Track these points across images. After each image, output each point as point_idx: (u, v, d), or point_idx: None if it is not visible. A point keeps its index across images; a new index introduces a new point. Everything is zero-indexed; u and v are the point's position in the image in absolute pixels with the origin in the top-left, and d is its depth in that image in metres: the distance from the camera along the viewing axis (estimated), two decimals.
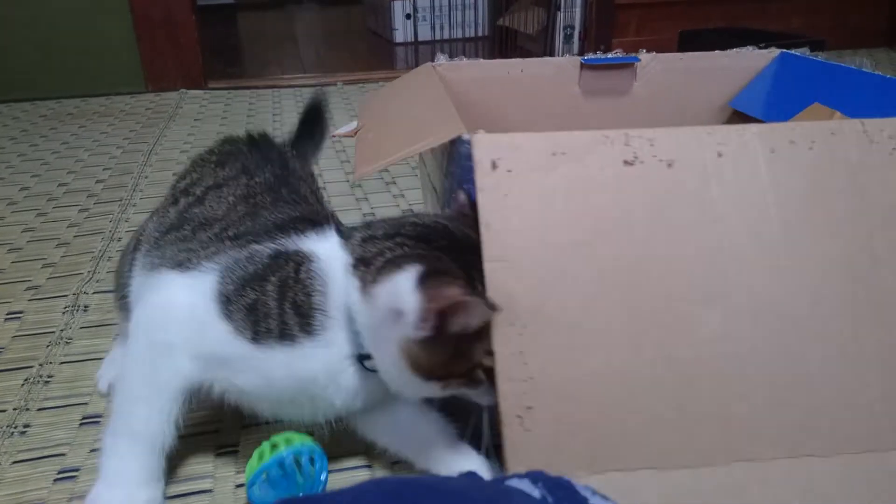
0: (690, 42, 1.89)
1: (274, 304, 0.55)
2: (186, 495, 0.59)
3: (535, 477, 0.38)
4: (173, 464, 0.62)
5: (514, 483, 0.37)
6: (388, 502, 0.27)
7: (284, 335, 0.55)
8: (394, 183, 1.29)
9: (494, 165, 0.53)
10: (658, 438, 0.52)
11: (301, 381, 0.56)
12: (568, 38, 2.29)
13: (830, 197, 0.56)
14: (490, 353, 0.52)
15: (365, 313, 0.53)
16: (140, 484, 0.56)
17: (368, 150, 0.66)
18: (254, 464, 0.55)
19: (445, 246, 0.54)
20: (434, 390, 0.54)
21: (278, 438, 0.56)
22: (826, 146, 0.57)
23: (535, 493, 0.37)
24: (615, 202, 0.54)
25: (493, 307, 0.51)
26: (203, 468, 0.62)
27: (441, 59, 0.91)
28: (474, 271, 0.53)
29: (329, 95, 2.03)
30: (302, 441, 0.56)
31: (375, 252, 0.54)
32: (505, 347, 0.52)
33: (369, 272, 0.53)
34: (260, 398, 0.58)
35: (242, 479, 0.60)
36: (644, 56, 0.96)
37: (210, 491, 0.59)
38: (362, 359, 0.56)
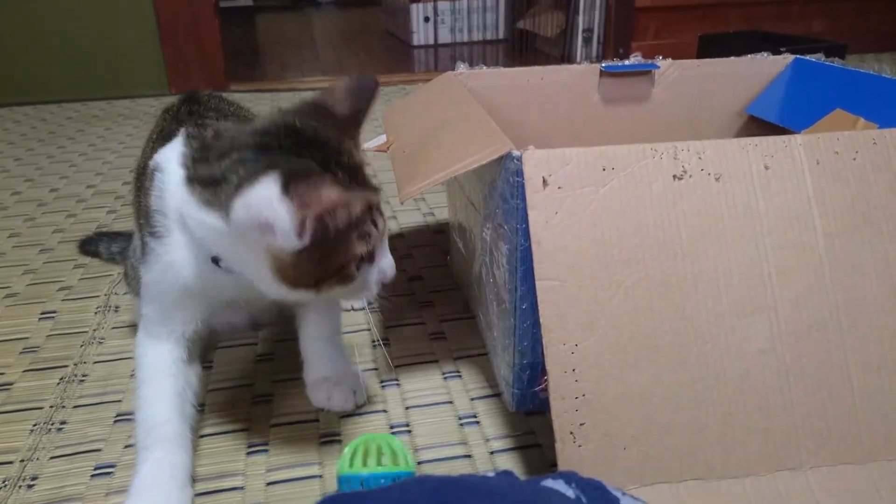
0: (710, 46, 1.89)
1: (139, 218, 0.61)
2: (217, 492, 0.61)
3: (569, 477, 0.40)
4: (204, 462, 0.65)
5: (550, 483, 0.39)
6: (431, 500, 0.29)
7: (145, 245, 0.59)
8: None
9: (545, 182, 0.55)
10: (704, 451, 0.54)
11: (182, 283, 0.58)
12: (587, 42, 2.30)
13: (874, 207, 0.58)
14: (363, 239, 0.53)
15: (212, 228, 0.52)
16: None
17: (408, 167, 0.67)
18: (345, 463, 0.55)
19: (293, 145, 0.52)
20: (307, 296, 0.54)
21: (386, 448, 0.55)
22: (869, 156, 0.59)
23: (570, 493, 0.38)
24: (664, 217, 0.56)
25: (374, 190, 0.51)
26: (234, 466, 0.64)
27: (461, 67, 0.92)
28: (330, 161, 0.52)
29: None
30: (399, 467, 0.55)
31: (218, 172, 0.51)
32: (557, 366, 0.53)
33: (214, 192, 0.51)
34: (180, 308, 0.61)
35: (273, 476, 0.62)
36: (662, 63, 0.97)
37: (241, 488, 0.62)
38: (216, 260, 0.56)
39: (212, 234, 0.53)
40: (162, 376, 0.62)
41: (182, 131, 0.59)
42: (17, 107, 2.06)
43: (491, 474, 0.42)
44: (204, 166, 0.53)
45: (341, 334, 0.74)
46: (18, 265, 1.06)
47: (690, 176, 0.57)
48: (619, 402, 0.53)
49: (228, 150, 0.52)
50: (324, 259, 0.52)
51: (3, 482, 0.63)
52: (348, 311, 0.89)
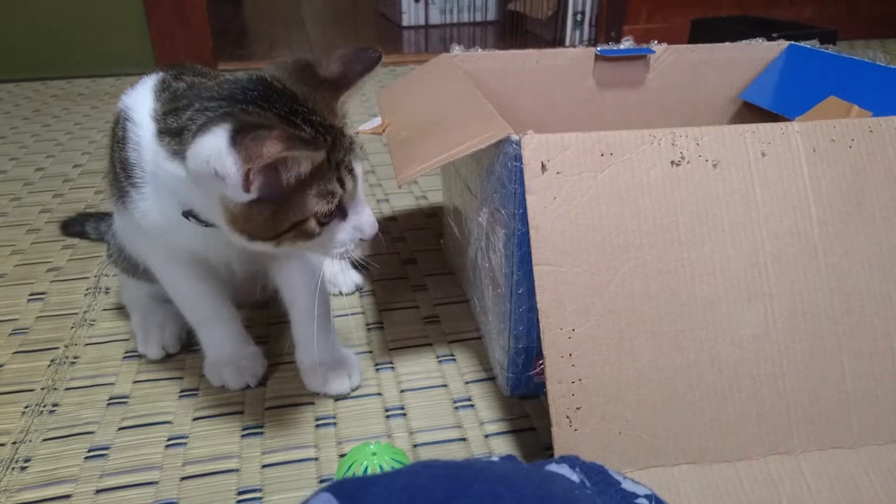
0: (702, 30, 1.89)
1: (113, 164, 0.61)
2: (212, 475, 0.61)
3: (573, 462, 0.41)
4: (199, 444, 0.64)
5: (554, 468, 0.39)
6: (440, 485, 0.29)
7: (122, 191, 0.60)
8: None
9: (544, 167, 0.55)
10: (699, 435, 0.54)
11: (158, 230, 0.60)
12: (578, 24, 2.28)
13: (869, 195, 0.58)
14: (324, 197, 0.52)
15: (180, 179, 0.53)
16: None
17: (405, 151, 0.67)
18: (343, 466, 0.55)
19: (258, 97, 0.52)
20: (267, 248, 0.54)
21: (379, 448, 0.56)
22: (864, 144, 0.59)
23: (574, 477, 0.39)
24: (662, 203, 0.56)
25: (318, 147, 0.50)
26: (229, 448, 0.64)
27: (456, 49, 0.92)
28: (296, 117, 0.51)
29: None
30: (392, 458, 0.55)
31: (182, 121, 0.53)
32: (554, 350, 0.53)
33: (179, 141, 0.52)
34: (164, 260, 0.65)
35: (268, 459, 0.63)
36: (657, 47, 0.96)
37: (237, 470, 0.62)
38: (187, 215, 0.57)
39: (178, 183, 0.54)
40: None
41: (156, 76, 0.59)
42: (0, 84, 2.02)
43: (495, 458, 0.42)
44: (172, 118, 0.53)
45: (332, 317, 0.74)
46: (5, 245, 1.04)
47: (688, 162, 0.57)
48: (615, 386, 0.54)
49: (195, 99, 0.53)
50: (277, 214, 0.51)
51: None
52: (338, 295, 0.89)
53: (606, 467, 0.42)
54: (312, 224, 0.53)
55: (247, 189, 0.49)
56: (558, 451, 0.53)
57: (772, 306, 0.56)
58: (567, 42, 2.30)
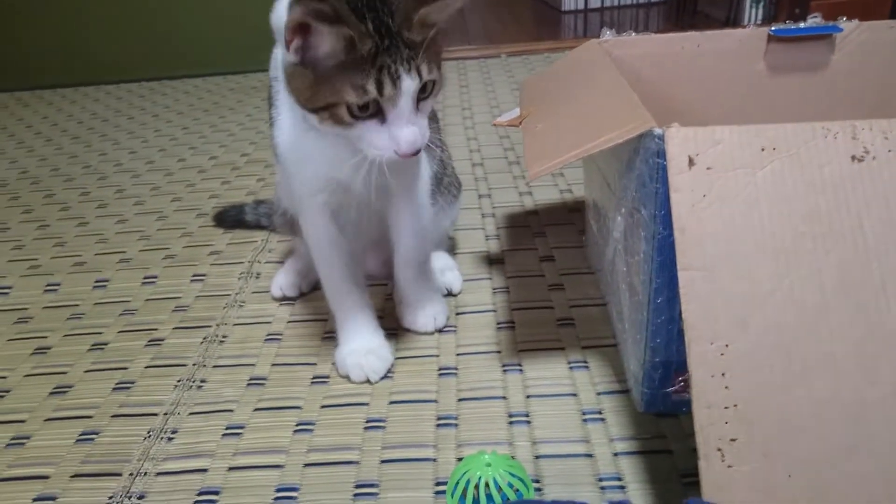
0: None
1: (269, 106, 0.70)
2: (334, 464, 0.62)
3: None
4: (323, 433, 0.66)
5: None
6: None
7: (271, 123, 0.68)
8: None
9: (692, 162, 0.49)
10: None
11: (295, 157, 0.67)
12: (757, 2, 2.08)
13: None
14: (355, 90, 0.55)
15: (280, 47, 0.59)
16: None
17: (539, 144, 0.63)
18: (457, 473, 0.54)
19: None
20: (314, 120, 0.59)
21: (494, 459, 0.54)
22: None
23: None
24: (840, 204, 0.48)
25: (337, 22, 0.52)
26: (352, 440, 0.65)
27: (607, 34, 0.85)
28: (369, 11, 0.54)
29: (492, 68, 1.98)
30: (507, 470, 0.53)
31: None
32: (703, 368, 0.47)
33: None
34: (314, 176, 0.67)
35: (388, 454, 0.62)
36: (846, 25, 0.84)
37: (357, 462, 0.62)
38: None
39: (280, 58, 0.60)
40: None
41: None
42: (188, 79, 2.23)
43: None
44: None
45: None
46: (178, 228, 1.14)
47: (874, 157, 0.48)
48: (784, 417, 0.46)
49: None
50: (316, 86, 0.56)
51: (149, 433, 0.68)
52: (452, 296, 0.87)
53: None
54: (343, 111, 0.57)
55: (287, 47, 0.55)
56: (707, 489, 0.46)
57: None
58: (745, 22, 2.10)
